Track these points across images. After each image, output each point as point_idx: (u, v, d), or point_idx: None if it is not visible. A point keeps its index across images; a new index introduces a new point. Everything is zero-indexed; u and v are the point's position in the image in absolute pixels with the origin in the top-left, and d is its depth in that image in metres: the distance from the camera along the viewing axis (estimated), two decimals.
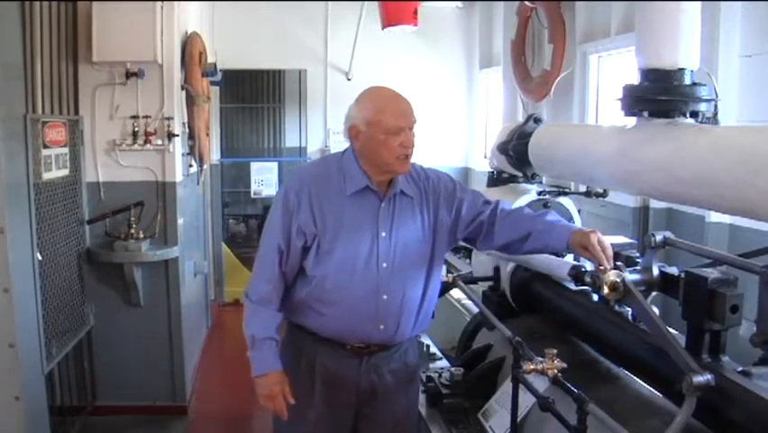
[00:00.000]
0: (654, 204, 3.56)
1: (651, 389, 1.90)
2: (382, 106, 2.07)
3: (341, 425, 2.24)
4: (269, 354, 2.13)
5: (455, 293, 3.29)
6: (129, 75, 3.92)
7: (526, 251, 2.20)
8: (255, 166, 6.88)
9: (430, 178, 2.24)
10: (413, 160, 2.13)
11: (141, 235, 4.02)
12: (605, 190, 2.65)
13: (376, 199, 2.13)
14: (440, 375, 2.51)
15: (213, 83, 5.50)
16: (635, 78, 2.00)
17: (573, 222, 2.65)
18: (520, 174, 2.82)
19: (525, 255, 2.39)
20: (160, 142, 4.05)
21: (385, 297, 2.12)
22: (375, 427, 2.26)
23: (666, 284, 1.90)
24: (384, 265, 2.10)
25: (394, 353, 2.22)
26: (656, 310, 1.83)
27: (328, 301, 2.12)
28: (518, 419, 1.96)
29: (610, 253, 1.93)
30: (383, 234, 2.11)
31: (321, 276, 2.11)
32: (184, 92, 4.46)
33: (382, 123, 2.04)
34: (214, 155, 6.51)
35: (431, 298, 2.27)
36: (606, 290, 1.81)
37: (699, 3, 1.90)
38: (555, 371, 1.77)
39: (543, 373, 1.78)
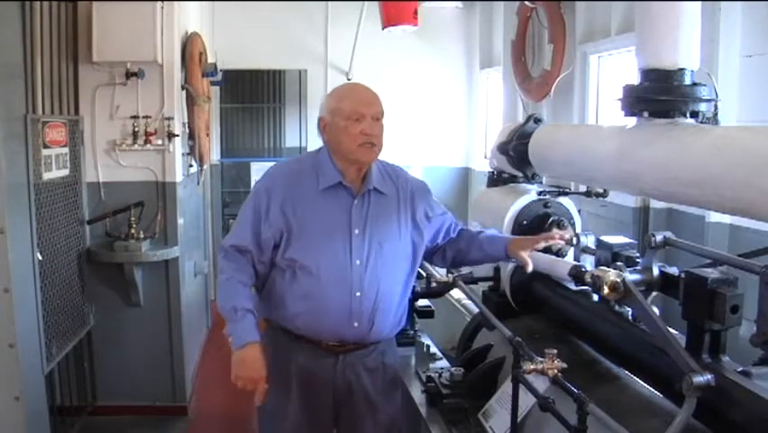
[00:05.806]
0: (654, 204, 3.56)
1: (651, 389, 1.90)
2: (344, 95, 2.14)
3: (320, 426, 2.22)
4: (250, 326, 2.05)
5: (455, 293, 3.28)
6: (129, 75, 3.93)
7: (470, 260, 2.40)
8: (255, 166, 6.87)
9: (409, 179, 2.28)
10: (401, 162, 2.19)
11: (142, 235, 4.02)
12: (605, 190, 2.65)
13: (349, 196, 2.14)
14: (440, 375, 2.51)
15: (213, 83, 5.50)
16: (635, 79, 2.00)
17: (574, 222, 2.66)
18: (520, 174, 2.82)
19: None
20: (160, 142, 4.06)
21: (358, 294, 2.11)
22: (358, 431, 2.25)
23: (666, 284, 1.90)
24: (357, 262, 2.10)
25: (371, 352, 2.22)
26: (656, 310, 1.83)
27: (301, 296, 2.12)
28: (518, 419, 1.96)
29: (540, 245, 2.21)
30: (356, 231, 2.12)
31: (293, 271, 2.11)
32: (184, 92, 4.46)
33: (342, 109, 2.09)
34: (214, 155, 6.51)
35: (408, 297, 2.29)
36: (606, 290, 1.81)
37: (699, 3, 1.90)
38: (555, 371, 1.77)
39: (543, 373, 1.78)
